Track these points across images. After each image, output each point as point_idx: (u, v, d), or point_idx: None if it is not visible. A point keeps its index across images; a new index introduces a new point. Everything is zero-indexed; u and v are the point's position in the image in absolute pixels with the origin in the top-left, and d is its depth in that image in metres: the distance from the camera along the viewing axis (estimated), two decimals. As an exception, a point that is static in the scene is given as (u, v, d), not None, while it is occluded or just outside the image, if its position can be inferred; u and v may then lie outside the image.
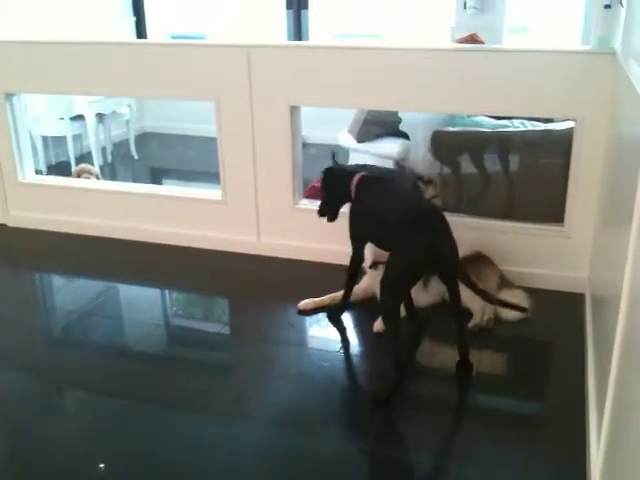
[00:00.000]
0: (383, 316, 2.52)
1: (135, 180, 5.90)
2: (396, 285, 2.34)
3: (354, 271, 2.81)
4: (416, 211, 2.41)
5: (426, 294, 3.01)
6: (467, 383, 2.50)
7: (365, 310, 2.97)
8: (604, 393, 1.83)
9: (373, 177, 2.74)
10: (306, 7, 6.66)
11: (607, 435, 1.75)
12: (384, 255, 2.89)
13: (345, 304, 2.91)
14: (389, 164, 4.28)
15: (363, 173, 2.73)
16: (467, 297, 2.93)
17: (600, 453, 1.80)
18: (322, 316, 2.98)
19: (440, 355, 2.77)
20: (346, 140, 4.79)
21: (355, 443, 2.22)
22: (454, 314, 2.52)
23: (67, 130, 5.74)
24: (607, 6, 2.88)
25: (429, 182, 3.93)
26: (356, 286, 2.97)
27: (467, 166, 3.60)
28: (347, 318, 3.00)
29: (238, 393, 2.44)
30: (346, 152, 4.86)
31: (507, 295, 2.96)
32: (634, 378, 1.43)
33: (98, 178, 4.58)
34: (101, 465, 2.08)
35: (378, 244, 2.66)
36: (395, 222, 2.38)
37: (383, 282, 2.34)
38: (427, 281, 3.02)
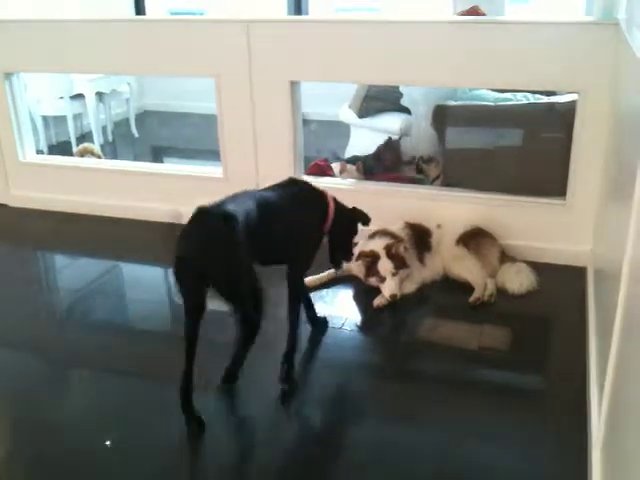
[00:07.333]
0: None
1: (136, 158, 5.89)
2: None
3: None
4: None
5: (425, 270, 3.01)
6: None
7: (364, 286, 2.97)
8: (605, 366, 1.84)
9: None
10: (306, -19, 6.60)
11: (608, 409, 1.76)
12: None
13: None
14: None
15: None
16: (468, 270, 2.96)
17: (601, 427, 1.81)
18: (325, 292, 2.99)
19: (440, 329, 2.78)
20: (347, 115, 4.76)
21: (358, 419, 2.23)
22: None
23: (67, 109, 5.73)
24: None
25: (430, 161, 3.93)
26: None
27: (470, 140, 3.58)
28: (348, 295, 3.01)
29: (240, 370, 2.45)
30: (347, 127, 4.84)
31: (510, 269, 2.96)
32: (635, 351, 1.43)
33: (100, 158, 4.58)
34: (107, 442, 2.09)
35: None
36: None
37: None
38: (423, 257, 3.02)
